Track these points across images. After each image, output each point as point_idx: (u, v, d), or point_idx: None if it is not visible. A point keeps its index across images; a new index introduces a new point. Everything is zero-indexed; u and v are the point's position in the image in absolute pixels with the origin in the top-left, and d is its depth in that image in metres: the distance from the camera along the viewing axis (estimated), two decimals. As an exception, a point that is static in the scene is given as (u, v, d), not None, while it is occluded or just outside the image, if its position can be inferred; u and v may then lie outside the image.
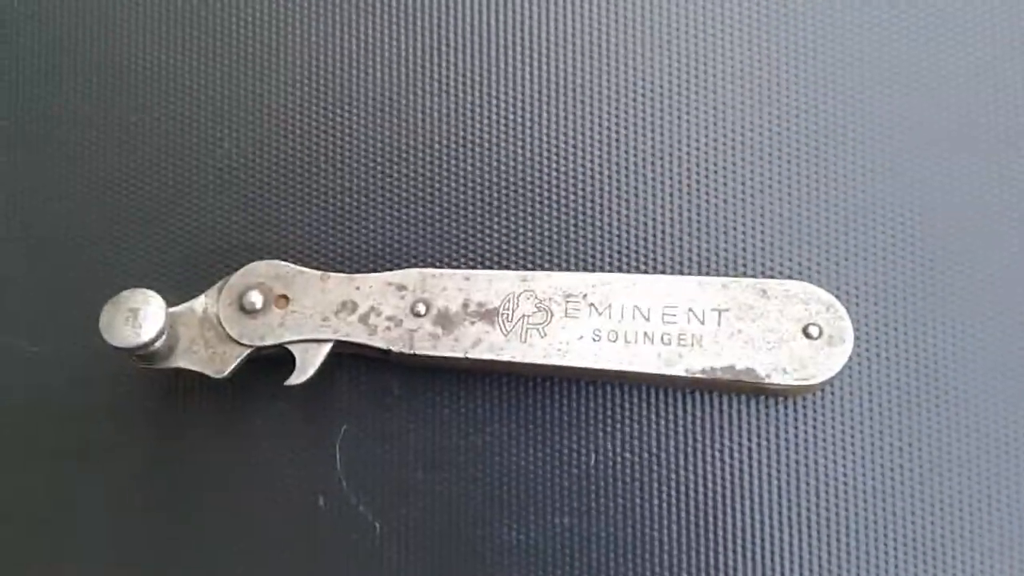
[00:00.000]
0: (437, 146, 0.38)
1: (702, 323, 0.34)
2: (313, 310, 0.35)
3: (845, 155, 0.37)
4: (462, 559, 0.36)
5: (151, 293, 0.33)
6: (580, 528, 0.35)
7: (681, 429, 0.36)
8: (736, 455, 0.35)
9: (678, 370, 0.33)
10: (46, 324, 0.38)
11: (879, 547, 0.34)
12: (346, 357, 0.36)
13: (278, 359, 0.35)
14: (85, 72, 0.40)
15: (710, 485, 0.35)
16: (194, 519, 0.37)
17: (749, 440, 0.35)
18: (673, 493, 0.35)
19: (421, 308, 0.34)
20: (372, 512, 0.36)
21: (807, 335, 0.33)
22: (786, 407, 0.35)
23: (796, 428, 0.35)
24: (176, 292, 0.36)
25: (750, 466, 0.35)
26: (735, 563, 0.35)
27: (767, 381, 0.33)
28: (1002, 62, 0.37)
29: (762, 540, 0.35)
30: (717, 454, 0.35)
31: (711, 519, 0.35)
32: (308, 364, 0.35)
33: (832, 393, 0.35)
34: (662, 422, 0.36)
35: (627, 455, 0.36)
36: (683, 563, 0.35)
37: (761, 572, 0.34)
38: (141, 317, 0.33)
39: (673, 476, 0.35)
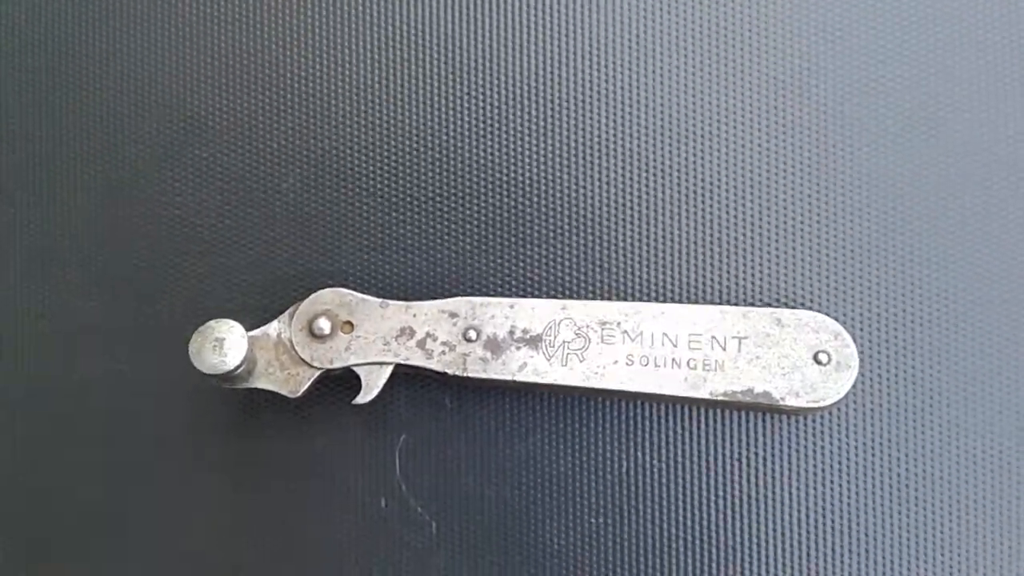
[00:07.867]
0: (484, 187, 0.42)
1: (724, 349, 0.37)
2: (375, 335, 0.39)
3: (852, 195, 0.40)
4: (507, 555, 0.40)
5: (234, 323, 0.37)
6: (612, 528, 0.40)
7: (703, 441, 0.40)
8: (752, 466, 0.39)
9: (703, 393, 0.37)
10: (135, 346, 0.42)
11: (879, 550, 0.39)
12: (403, 375, 0.40)
13: (342, 377, 0.39)
14: (160, 118, 0.43)
15: (728, 492, 0.39)
16: (270, 518, 0.41)
17: (763, 452, 0.39)
18: (695, 498, 0.39)
19: (472, 334, 0.39)
20: (428, 512, 0.41)
21: (817, 361, 0.37)
22: (798, 424, 0.39)
23: (806, 442, 0.39)
24: (251, 316, 0.41)
25: (763, 476, 0.39)
26: (750, 559, 0.39)
27: (782, 403, 0.37)
28: (1018, 99, 0.40)
29: (774, 539, 0.39)
30: (735, 464, 0.39)
31: (729, 521, 0.39)
32: (373, 385, 0.39)
33: (840, 412, 0.39)
34: (686, 434, 0.40)
35: (655, 463, 0.40)
36: (704, 560, 0.39)
37: (775, 565, 0.39)
38: (226, 346, 0.37)
39: (696, 483, 0.40)
